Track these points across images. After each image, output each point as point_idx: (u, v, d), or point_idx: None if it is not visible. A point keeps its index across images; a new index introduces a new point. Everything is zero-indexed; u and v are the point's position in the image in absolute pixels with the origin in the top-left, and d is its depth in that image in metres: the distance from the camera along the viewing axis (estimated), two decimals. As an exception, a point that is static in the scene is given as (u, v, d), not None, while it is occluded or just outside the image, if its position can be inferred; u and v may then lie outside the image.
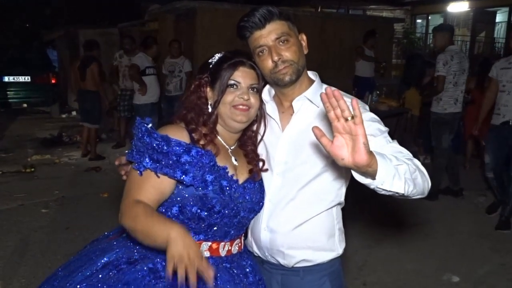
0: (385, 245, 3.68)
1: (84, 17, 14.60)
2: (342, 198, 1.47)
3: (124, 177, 1.39)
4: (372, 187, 1.12)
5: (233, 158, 1.41)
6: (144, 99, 5.98)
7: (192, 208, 1.29)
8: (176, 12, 7.55)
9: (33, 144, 7.26)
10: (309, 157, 1.39)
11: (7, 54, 10.85)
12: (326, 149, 1.04)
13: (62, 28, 12.12)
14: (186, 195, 1.28)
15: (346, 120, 1.00)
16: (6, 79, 10.02)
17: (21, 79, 10.12)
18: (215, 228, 1.33)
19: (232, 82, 1.35)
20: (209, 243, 1.35)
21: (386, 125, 1.36)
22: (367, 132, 1.02)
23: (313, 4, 14.61)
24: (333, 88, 1.03)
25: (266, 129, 1.47)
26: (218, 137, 1.40)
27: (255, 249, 1.51)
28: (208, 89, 1.39)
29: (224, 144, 1.42)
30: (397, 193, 1.14)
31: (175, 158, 1.24)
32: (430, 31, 15.20)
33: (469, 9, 15.18)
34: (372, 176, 1.08)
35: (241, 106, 1.35)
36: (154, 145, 1.24)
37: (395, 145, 1.28)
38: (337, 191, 1.44)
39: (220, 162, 1.34)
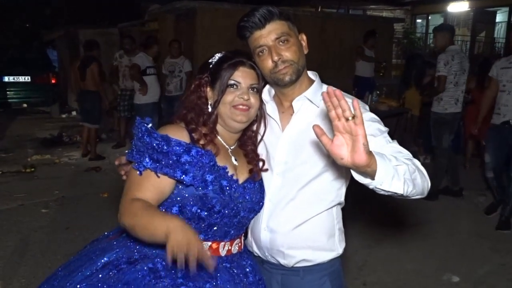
0: (385, 245, 3.68)
1: (84, 17, 14.59)
2: (342, 198, 1.47)
3: (124, 177, 1.39)
4: (371, 187, 1.12)
5: (233, 158, 1.41)
6: (145, 99, 5.99)
7: (192, 208, 1.29)
8: (176, 12, 7.55)
9: (33, 144, 7.26)
10: (309, 157, 1.39)
11: (7, 54, 10.87)
12: (326, 147, 1.05)
13: (62, 28, 12.12)
14: (186, 195, 1.28)
15: (347, 120, 1.00)
16: (6, 79, 10.02)
17: (21, 79, 10.13)
18: (215, 228, 1.33)
19: (232, 82, 1.35)
20: (209, 243, 1.35)
21: (386, 125, 1.37)
22: (367, 132, 1.02)
23: (313, 4, 14.61)
24: (334, 88, 1.03)
25: (266, 129, 1.47)
26: (218, 137, 1.40)
27: (255, 249, 1.51)
28: (208, 89, 1.39)
29: (224, 144, 1.42)
30: (396, 193, 1.14)
31: (175, 158, 1.24)
32: (430, 31, 15.21)
33: (469, 9, 15.18)
34: (371, 176, 1.08)
35: (241, 106, 1.35)
36: (154, 144, 1.24)
37: (395, 145, 1.28)
38: (337, 191, 1.44)
39: (220, 162, 1.34)
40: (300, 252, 1.43)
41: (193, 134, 1.34)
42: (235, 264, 1.40)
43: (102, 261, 1.29)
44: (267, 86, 1.47)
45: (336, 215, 1.48)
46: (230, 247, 1.40)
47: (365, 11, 16.32)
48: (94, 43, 6.38)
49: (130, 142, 1.53)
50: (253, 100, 1.37)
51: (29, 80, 10.14)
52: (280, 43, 1.35)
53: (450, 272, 3.23)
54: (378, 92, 6.18)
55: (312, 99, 1.40)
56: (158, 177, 1.25)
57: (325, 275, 1.46)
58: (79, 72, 6.12)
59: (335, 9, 14.43)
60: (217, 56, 1.42)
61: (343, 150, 1.03)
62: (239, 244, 1.45)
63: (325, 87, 1.45)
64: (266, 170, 1.45)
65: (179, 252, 1.04)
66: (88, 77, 6.06)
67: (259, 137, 1.48)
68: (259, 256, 1.51)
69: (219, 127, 1.40)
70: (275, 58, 1.33)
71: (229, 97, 1.35)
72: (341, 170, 1.39)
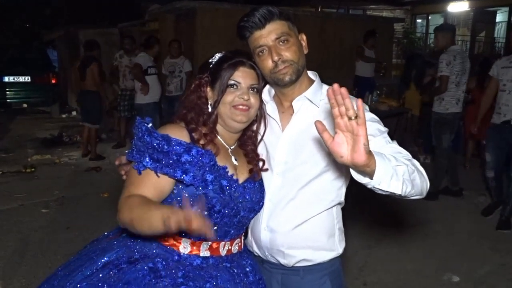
0: (385, 245, 3.68)
1: (84, 17, 14.59)
2: (342, 198, 1.47)
3: (124, 177, 1.39)
4: (369, 186, 1.12)
5: (233, 158, 1.41)
6: (146, 98, 5.99)
7: (192, 208, 1.29)
8: (176, 12, 7.55)
9: (33, 144, 7.26)
10: (309, 157, 1.39)
11: (7, 54, 10.86)
12: (327, 144, 1.05)
13: (62, 28, 12.12)
14: (186, 195, 1.28)
15: (350, 118, 1.00)
16: (6, 79, 10.03)
17: (21, 79, 10.14)
18: (215, 227, 1.33)
19: (232, 82, 1.35)
20: (209, 243, 1.35)
21: (386, 125, 1.37)
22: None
23: (313, 4, 14.61)
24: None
25: (266, 129, 1.47)
26: (218, 137, 1.40)
27: (255, 249, 1.51)
28: (208, 89, 1.39)
29: (224, 144, 1.42)
30: (394, 193, 1.14)
31: (175, 158, 1.24)
32: (430, 31, 15.24)
33: (469, 9, 15.18)
34: (370, 175, 1.08)
35: (241, 106, 1.35)
36: (155, 144, 1.25)
37: (394, 145, 1.29)
38: (337, 191, 1.44)
39: (220, 161, 1.34)
40: (300, 251, 1.43)
41: (193, 134, 1.34)
42: (235, 263, 1.40)
43: (103, 260, 1.29)
44: (267, 86, 1.47)
45: (336, 215, 1.48)
46: (230, 247, 1.40)
47: (365, 11, 16.32)
48: (94, 43, 6.38)
49: (130, 142, 1.53)
50: (253, 100, 1.37)
51: (29, 80, 10.15)
52: (280, 43, 1.35)
53: (450, 272, 3.24)
54: (378, 92, 6.17)
55: (312, 99, 1.41)
56: (158, 176, 1.25)
57: (325, 274, 1.46)
58: (79, 72, 6.12)
59: (335, 9, 14.43)
60: (217, 56, 1.42)
61: (343, 148, 1.03)
62: (239, 243, 1.45)
63: (325, 87, 1.45)
64: (266, 170, 1.45)
65: (176, 224, 1.03)
66: (88, 77, 6.06)
67: (259, 137, 1.48)
68: (259, 256, 1.51)
69: (219, 127, 1.41)
70: (275, 58, 1.34)
71: (229, 97, 1.35)
72: (341, 170, 1.39)
